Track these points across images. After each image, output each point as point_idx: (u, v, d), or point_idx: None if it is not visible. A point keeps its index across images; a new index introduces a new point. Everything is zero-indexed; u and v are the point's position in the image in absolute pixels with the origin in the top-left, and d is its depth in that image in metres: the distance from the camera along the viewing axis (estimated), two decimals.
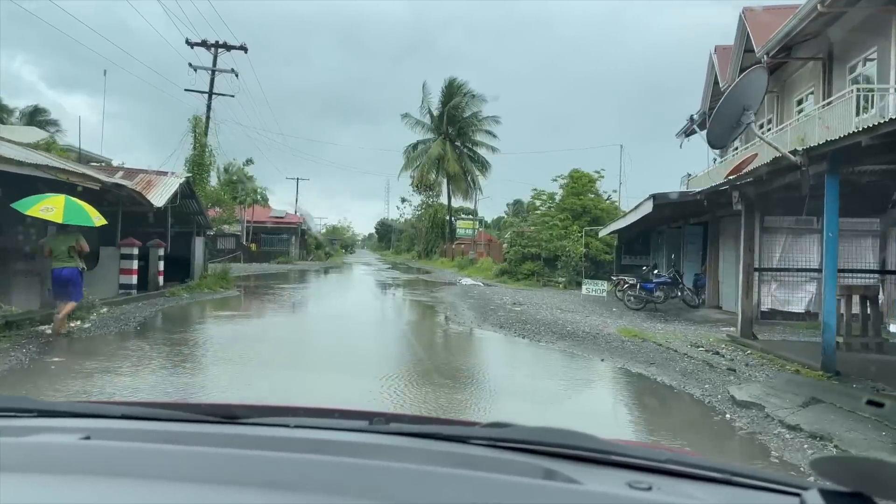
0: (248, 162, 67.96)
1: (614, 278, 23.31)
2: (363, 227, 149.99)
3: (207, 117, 42.61)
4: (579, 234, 33.31)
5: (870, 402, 2.42)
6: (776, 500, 0.99)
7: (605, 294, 22.34)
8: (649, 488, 0.96)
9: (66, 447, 1.03)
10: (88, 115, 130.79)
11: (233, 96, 42.90)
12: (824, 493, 0.89)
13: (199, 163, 22.58)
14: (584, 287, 22.69)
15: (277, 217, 51.87)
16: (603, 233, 31.21)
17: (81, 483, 0.89)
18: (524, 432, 1.21)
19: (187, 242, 20.78)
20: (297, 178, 74.38)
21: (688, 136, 31.27)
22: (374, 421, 1.33)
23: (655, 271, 20.42)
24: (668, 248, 26.27)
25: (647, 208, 14.91)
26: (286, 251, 48.59)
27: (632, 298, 19.17)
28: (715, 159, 25.07)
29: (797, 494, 0.95)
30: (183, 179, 18.77)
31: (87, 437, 1.07)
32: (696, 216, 21.52)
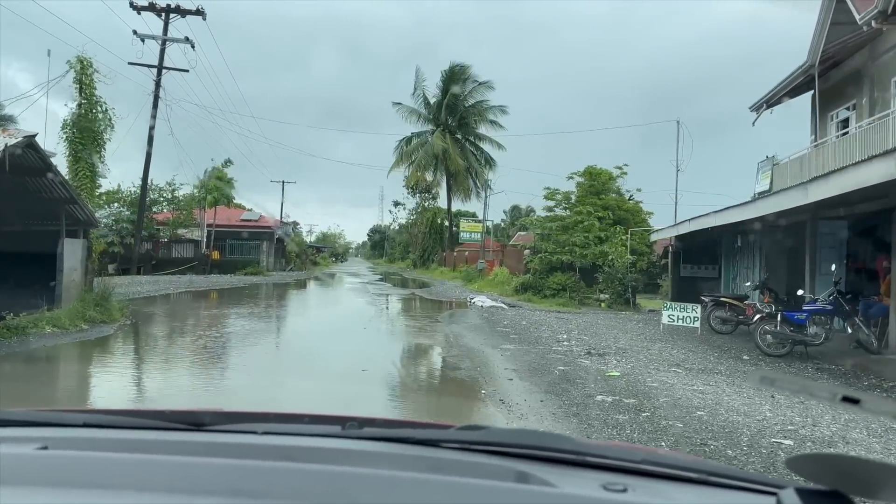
0: (227, 163, 60.51)
1: (705, 299, 15.75)
2: (359, 235, 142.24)
3: (156, 96, 35.08)
4: (623, 237, 25.79)
5: (845, 399, 0.88)
6: (752, 500, 0.98)
7: (697, 324, 14.76)
8: (625, 490, 0.94)
9: (21, 458, 0.99)
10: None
11: (187, 71, 35.34)
12: (801, 491, 0.87)
13: (85, 126, 14.85)
14: (665, 314, 15.07)
15: (249, 220, 44.11)
16: (662, 234, 23.67)
17: (36, 495, 0.85)
18: (498, 434, 1.20)
19: (53, 246, 13.10)
20: (283, 181, 66.84)
21: (770, 106, 23.53)
22: (347, 426, 1.25)
23: (800, 293, 12.76)
24: (771, 254, 18.75)
25: (883, 171, 7.28)
26: (256, 260, 40.75)
27: (768, 337, 11.61)
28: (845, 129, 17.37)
29: (773, 493, 0.93)
30: (18, 140, 11.04)
31: (45, 447, 1.02)
32: (848, 206, 13.98)
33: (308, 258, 61.01)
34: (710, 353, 11.26)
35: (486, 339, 11.53)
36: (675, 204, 28.76)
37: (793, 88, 21.27)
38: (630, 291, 23.67)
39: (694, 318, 14.82)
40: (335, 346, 11.04)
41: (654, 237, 24.52)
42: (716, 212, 15.34)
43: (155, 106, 34.34)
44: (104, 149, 15.48)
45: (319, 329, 14.52)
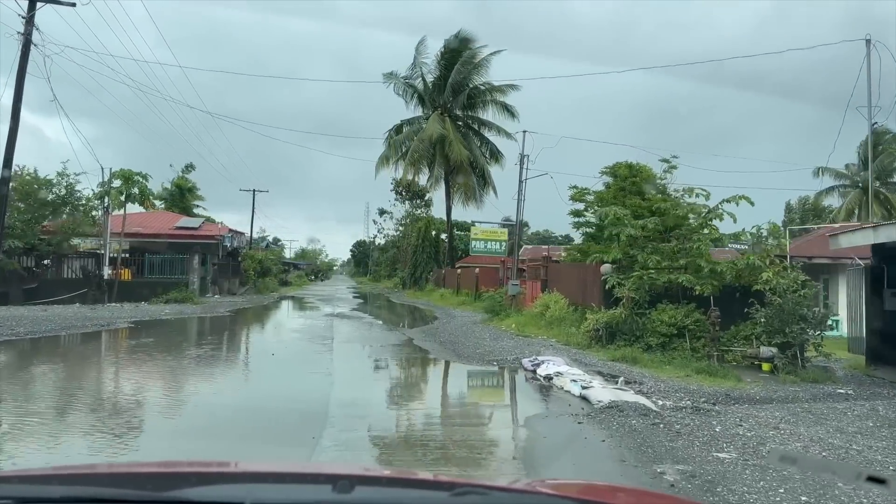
0: (188, 168, 49.06)
1: None
2: (345, 251, 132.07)
3: (27, 40, 24.00)
4: (781, 241, 15.04)
5: (870, 479, 1.28)
6: None
7: None
8: None
9: None
10: (72, 140, 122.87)
11: (73, 5, 24.34)
12: None
13: None
14: None
15: (185, 228, 32.83)
16: (865, 236, 12.87)
17: None
18: (500, 499, 1.12)
19: None
20: (254, 190, 55.53)
21: None
22: (338, 486, 1.18)
23: None
24: None
25: None
26: (186, 280, 29.35)
27: None
28: None
29: None
30: None
31: None
32: None
33: (275, 277, 49.61)
34: None
35: None
36: (869, 188, 17.64)
37: None
38: (806, 338, 12.87)
39: None
40: None
41: (843, 242, 13.72)
42: None
43: (24, 56, 23.44)
44: None
45: None
